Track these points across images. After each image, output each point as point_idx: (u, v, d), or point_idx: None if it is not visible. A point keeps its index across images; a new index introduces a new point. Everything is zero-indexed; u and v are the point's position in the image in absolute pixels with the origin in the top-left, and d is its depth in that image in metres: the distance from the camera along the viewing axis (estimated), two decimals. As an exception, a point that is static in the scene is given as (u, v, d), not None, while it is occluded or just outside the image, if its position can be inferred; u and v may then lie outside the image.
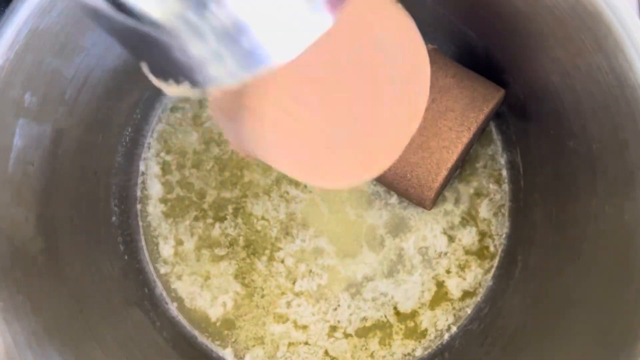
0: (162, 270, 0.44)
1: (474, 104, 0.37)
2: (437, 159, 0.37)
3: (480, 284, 0.43)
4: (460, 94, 0.37)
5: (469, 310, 0.43)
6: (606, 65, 0.29)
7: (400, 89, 0.26)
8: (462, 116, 0.37)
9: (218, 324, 0.43)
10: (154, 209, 0.44)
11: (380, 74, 0.25)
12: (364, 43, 0.24)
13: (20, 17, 0.27)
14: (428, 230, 0.43)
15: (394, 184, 0.39)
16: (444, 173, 0.37)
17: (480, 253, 0.43)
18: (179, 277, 0.44)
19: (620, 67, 0.28)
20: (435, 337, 0.43)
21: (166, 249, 0.44)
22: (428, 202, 0.39)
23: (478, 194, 0.44)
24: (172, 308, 0.43)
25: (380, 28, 0.24)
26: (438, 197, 0.43)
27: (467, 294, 0.43)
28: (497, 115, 0.43)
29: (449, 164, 0.37)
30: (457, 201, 0.43)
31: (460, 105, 0.37)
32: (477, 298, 0.43)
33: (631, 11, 0.27)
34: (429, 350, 0.42)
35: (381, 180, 0.40)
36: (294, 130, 0.24)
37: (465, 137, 0.37)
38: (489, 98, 0.37)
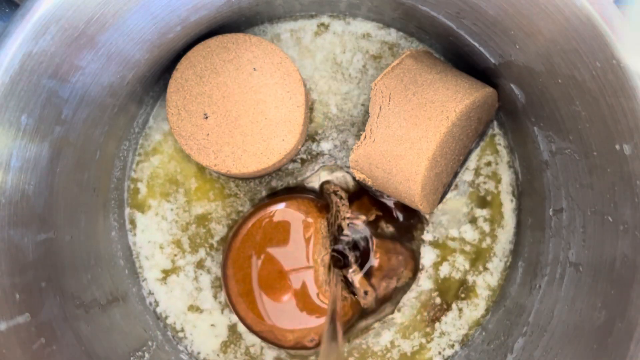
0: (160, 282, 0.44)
1: (455, 96, 0.37)
2: (417, 149, 0.37)
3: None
4: (442, 87, 0.37)
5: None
6: (602, 75, 0.29)
7: None
8: (442, 106, 0.36)
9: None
10: (155, 223, 0.44)
11: None
12: None
13: (14, 41, 0.27)
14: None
15: (385, 183, 0.39)
16: (425, 164, 0.37)
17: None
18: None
19: (615, 77, 0.28)
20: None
21: (164, 262, 0.44)
22: (418, 198, 0.38)
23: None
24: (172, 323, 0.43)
25: None
26: (437, 200, 0.42)
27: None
28: (495, 121, 0.43)
29: (429, 154, 0.36)
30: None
31: (441, 97, 0.37)
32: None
33: (625, 23, 0.27)
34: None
35: (373, 180, 0.39)
36: None
37: (444, 126, 0.36)
38: (472, 91, 0.37)
